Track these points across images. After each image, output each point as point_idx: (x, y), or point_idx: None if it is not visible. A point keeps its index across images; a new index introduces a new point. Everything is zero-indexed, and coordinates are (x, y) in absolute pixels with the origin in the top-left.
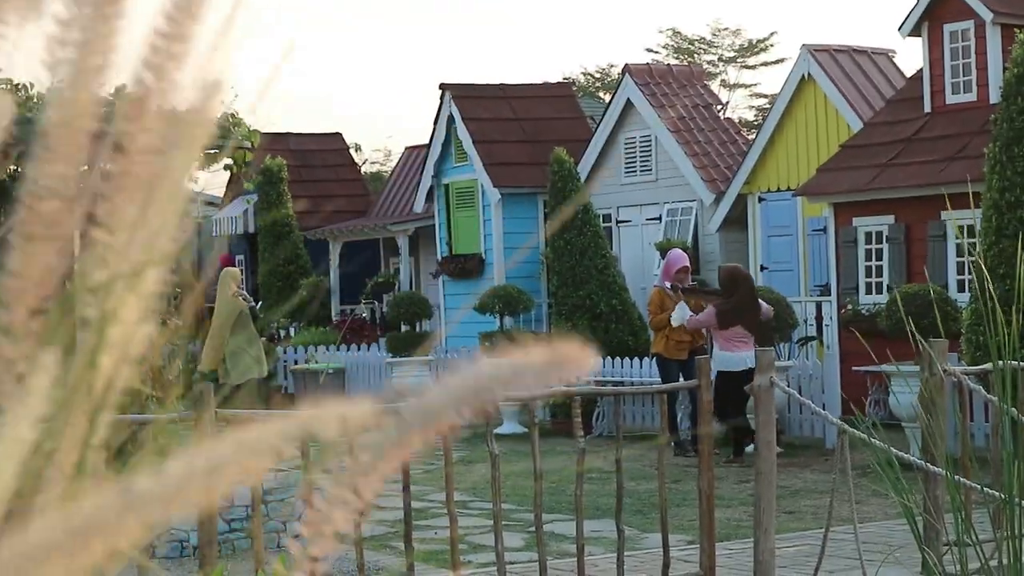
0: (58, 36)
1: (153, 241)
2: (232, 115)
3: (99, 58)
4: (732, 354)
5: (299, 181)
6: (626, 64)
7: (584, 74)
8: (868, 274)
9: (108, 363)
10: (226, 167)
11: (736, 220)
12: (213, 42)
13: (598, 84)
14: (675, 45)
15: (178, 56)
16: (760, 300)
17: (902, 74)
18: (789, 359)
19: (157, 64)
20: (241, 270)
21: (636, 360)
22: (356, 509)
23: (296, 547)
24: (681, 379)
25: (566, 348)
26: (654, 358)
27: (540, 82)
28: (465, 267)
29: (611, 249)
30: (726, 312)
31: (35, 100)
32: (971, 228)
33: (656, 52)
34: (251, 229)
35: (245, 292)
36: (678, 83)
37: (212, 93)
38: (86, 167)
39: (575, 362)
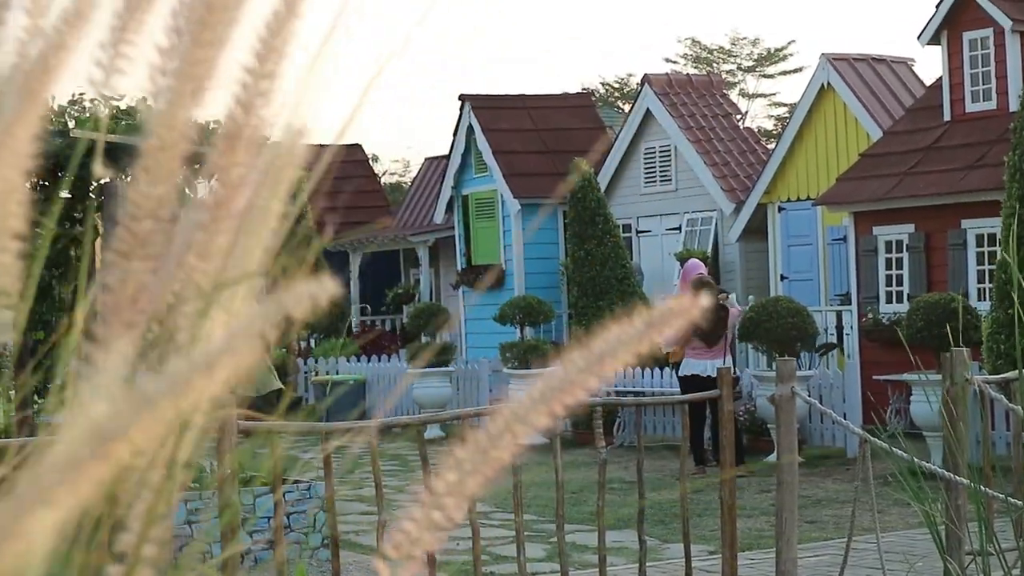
0: (159, 63)
1: (243, 269)
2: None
3: (195, 84)
4: (691, 361)
5: (319, 192)
6: (645, 74)
7: (603, 84)
8: (888, 283)
9: (198, 385)
10: None
11: (756, 230)
12: (300, 79)
13: (617, 94)
14: (694, 55)
15: (266, 93)
16: (724, 306)
17: (921, 83)
18: (810, 369)
19: (247, 100)
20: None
21: (657, 370)
22: (447, 529)
23: (385, 570)
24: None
25: (675, 302)
26: (673, 368)
27: (559, 92)
28: (485, 278)
29: (631, 259)
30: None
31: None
32: (991, 236)
33: (675, 62)
34: None
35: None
36: (697, 93)
37: (298, 137)
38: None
39: (687, 308)
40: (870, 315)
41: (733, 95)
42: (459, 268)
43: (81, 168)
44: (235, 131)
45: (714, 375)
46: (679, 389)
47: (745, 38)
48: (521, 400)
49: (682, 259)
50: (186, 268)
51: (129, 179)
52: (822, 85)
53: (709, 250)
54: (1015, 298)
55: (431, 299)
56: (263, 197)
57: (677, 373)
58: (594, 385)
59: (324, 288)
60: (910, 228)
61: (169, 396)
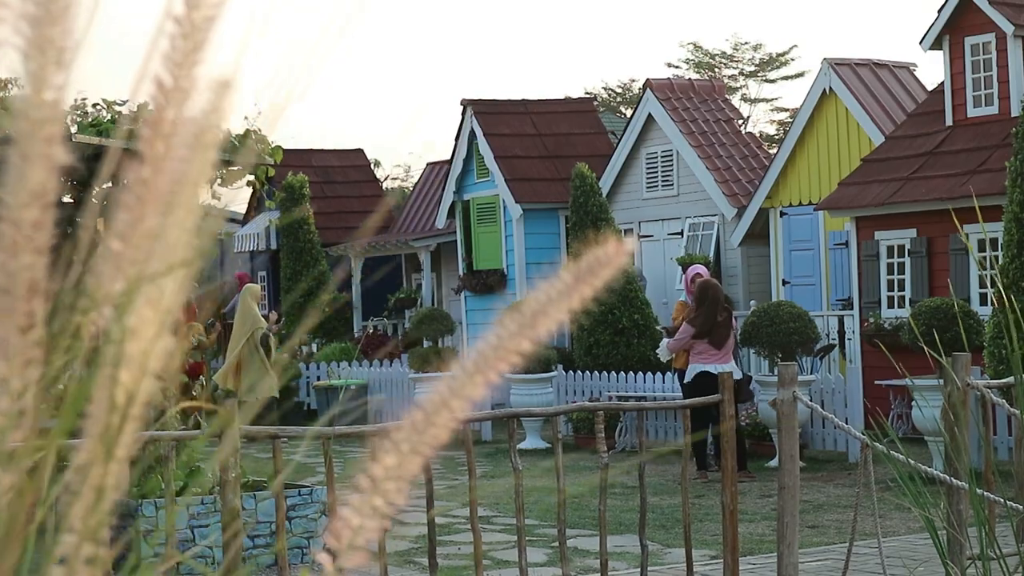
0: (12, 42)
1: (171, 251)
2: (255, 131)
3: (54, 65)
4: (698, 365)
5: (321, 197)
6: (647, 79)
7: (605, 89)
8: (890, 288)
9: (128, 378)
10: (248, 184)
11: (758, 234)
12: (222, 47)
13: (619, 99)
14: (696, 60)
15: (192, 61)
16: (730, 308)
17: (923, 87)
18: (812, 373)
19: (171, 68)
20: (262, 286)
21: (658, 375)
22: (388, 517)
23: (325, 559)
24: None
25: (600, 251)
26: (676, 373)
27: (561, 97)
28: (487, 282)
29: (633, 264)
30: (698, 333)
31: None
32: (993, 241)
33: (677, 67)
34: (273, 245)
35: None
36: (699, 98)
37: (223, 94)
38: (107, 179)
39: (613, 257)
40: (872, 320)
41: (735, 100)
42: (461, 273)
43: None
44: (159, 102)
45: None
46: (681, 394)
47: (747, 43)
48: (456, 373)
49: (684, 264)
50: (108, 256)
51: (4, 166)
52: (824, 90)
53: (711, 255)
54: (1011, 302)
55: (433, 304)
56: (188, 178)
57: (682, 380)
58: (528, 347)
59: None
60: (912, 233)
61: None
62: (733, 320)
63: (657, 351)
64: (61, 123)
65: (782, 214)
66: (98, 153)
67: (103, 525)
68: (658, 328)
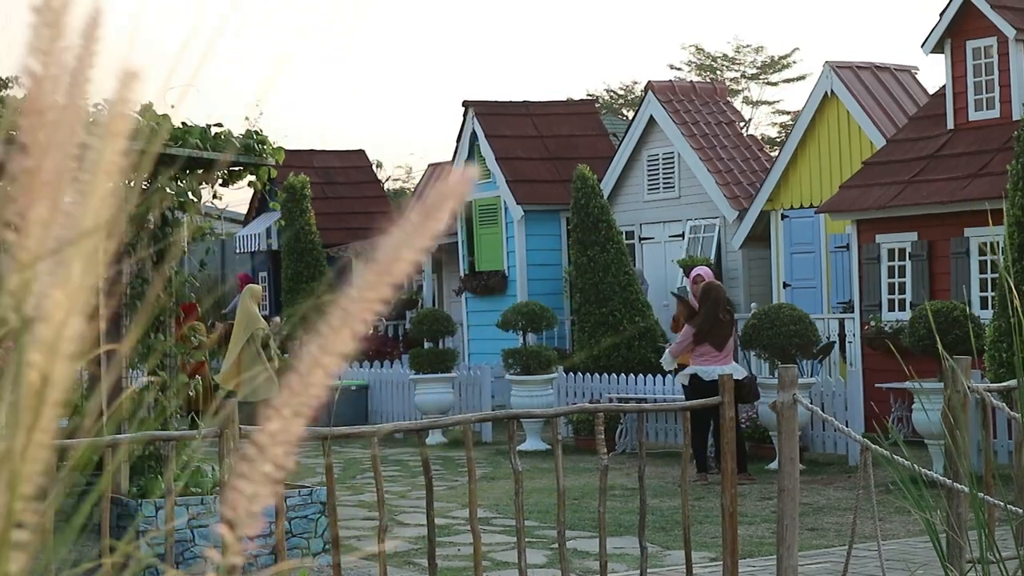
0: None
1: (71, 236)
2: (256, 132)
3: None
4: (698, 366)
5: (323, 198)
6: (649, 81)
7: (607, 91)
8: (891, 291)
9: (42, 361)
10: (250, 184)
11: (759, 237)
12: (125, 35)
13: (621, 101)
14: (698, 62)
15: (58, 48)
16: (731, 310)
17: (925, 91)
18: (812, 376)
19: (42, 55)
20: (264, 287)
21: (659, 377)
22: (280, 479)
23: (225, 532)
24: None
25: (442, 184)
26: (676, 375)
27: (563, 99)
28: (488, 284)
29: (634, 266)
30: (697, 331)
31: None
32: (994, 245)
33: (679, 69)
34: (275, 246)
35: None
36: (701, 100)
37: (128, 83)
38: None
39: (459, 186)
40: (872, 323)
41: (736, 103)
42: (462, 274)
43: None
44: (36, 90)
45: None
46: (682, 396)
47: (749, 46)
48: (322, 332)
49: (685, 266)
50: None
51: None
52: (825, 93)
53: (712, 257)
54: (1013, 306)
55: (434, 305)
56: (80, 162)
57: (684, 382)
58: (387, 294)
59: None
60: (913, 236)
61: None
62: (735, 322)
63: (661, 361)
64: None
65: (783, 217)
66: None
67: (25, 510)
68: (661, 345)
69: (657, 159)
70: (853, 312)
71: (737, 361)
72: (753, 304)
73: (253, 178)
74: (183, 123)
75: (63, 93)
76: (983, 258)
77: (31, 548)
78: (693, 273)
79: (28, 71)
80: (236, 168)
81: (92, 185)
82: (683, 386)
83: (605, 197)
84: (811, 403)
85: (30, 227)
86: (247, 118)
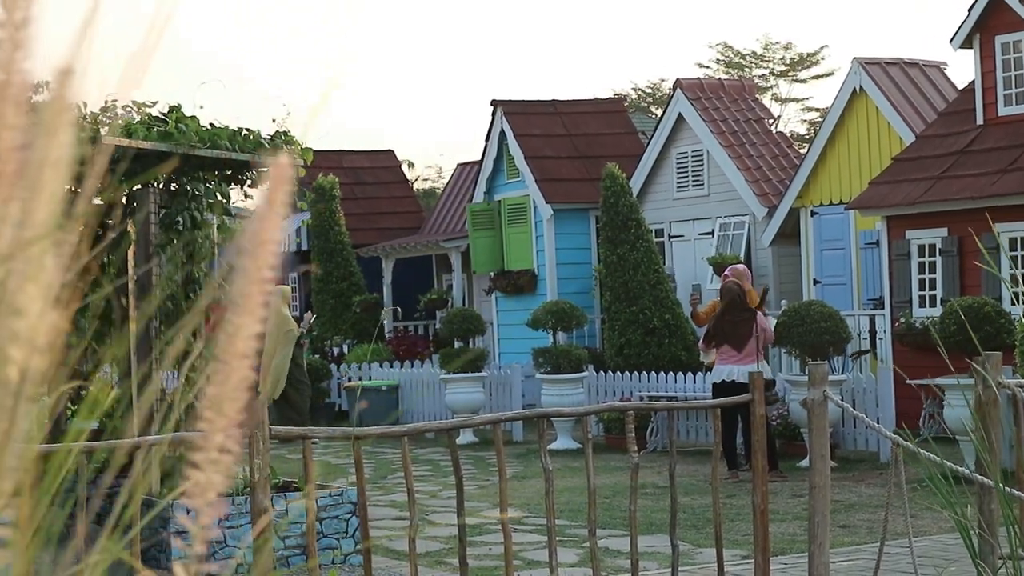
0: None
1: (38, 232)
2: (285, 133)
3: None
4: (720, 367)
5: (352, 199)
6: (677, 79)
7: (635, 89)
8: (921, 287)
9: (19, 355)
10: None
11: (789, 234)
12: (68, 29)
13: (649, 99)
14: (726, 59)
15: (22, 45)
16: (755, 314)
17: (954, 86)
18: (843, 373)
19: (7, 56)
20: (293, 288)
21: (689, 375)
22: (230, 462)
23: (188, 522)
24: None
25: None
26: (707, 373)
27: (591, 98)
28: (518, 283)
29: (663, 264)
30: (708, 333)
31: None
32: None
33: (707, 67)
34: (304, 247)
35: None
36: (729, 97)
37: (64, 78)
38: None
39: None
40: (903, 319)
41: (765, 100)
42: (491, 274)
43: (113, 174)
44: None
45: (746, 380)
46: (711, 394)
47: (777, 43)
48: (226, 319)
49: (715, 264)
50: None
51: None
52: (854, 89)
53: (742, 255)
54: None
55: (464, 304)
56: (41, 158)
57: (715, 381)
58: (269, 273)
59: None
60: (943, 232)
61: None
62: (758, 321)
63: (703, 358)
64: None
65: (813, 213)
66: (129, 155)
67: (5, 504)
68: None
69: (686, 157)
70: (883, 309)
71: (764, 361)
72: (783, 301)
73: None
74: (211, 124)
75: (17, 96)
76: (1014, 253)
77: (10, 544)
78: (734, 275)
79: None
80: (265, 169)
81: (42, 181)
82: (712, 385)
83: (634, 195)
84: (842, 400)
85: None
86: (273, 120)
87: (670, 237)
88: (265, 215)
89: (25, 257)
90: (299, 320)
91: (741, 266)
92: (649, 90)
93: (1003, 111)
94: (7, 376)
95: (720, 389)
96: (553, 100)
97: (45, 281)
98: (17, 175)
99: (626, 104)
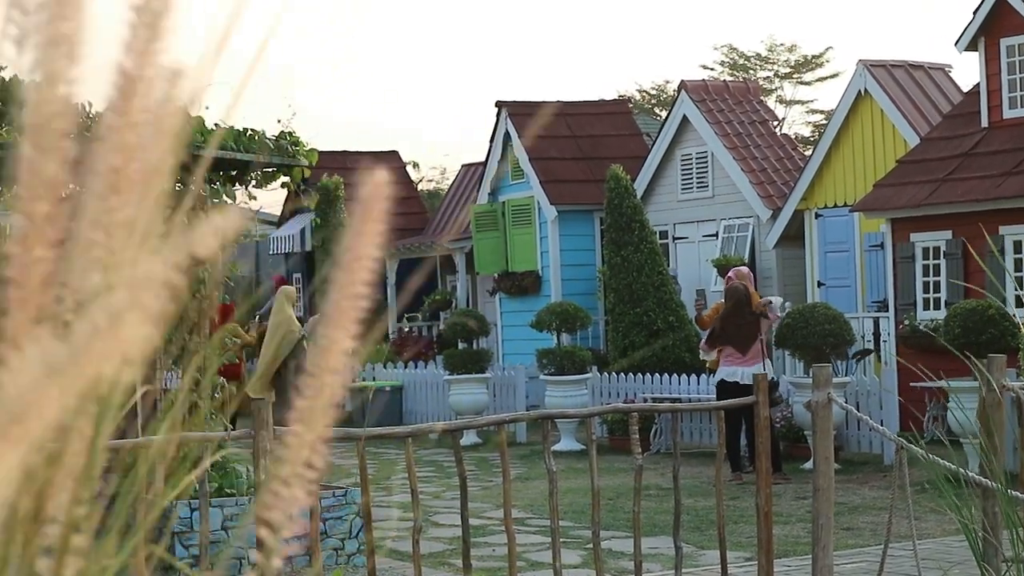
0: (25, 36)
1: (147, 240)
2: (290, 133)
3: (67, 60)
4: (724, 368)
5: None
6: (682, 80)
7: (640, 91)
8: (926, 290)
9: (111, 366)
10: (283, 185)
11: (793, 236)
12: (185, 36)
13: (654, 101)
14: (731, 61)
15: (156, 49)
16: (758, 312)
17: (959, 89)
18: (846, 375)
19: (133, 56)
20: (298, 288)
21: (693, 377)
22: (314, 479)
23: (267, 535)
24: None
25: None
26: (711, 375)
27: (596, 99)
28: (522, 284)
29: (667, 266)
30: (713, 333)
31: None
32: None
33: (712, 69)
34: (308, 247)
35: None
36: (734, 99)
37: (175, 80)
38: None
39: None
40: (907, 322)
41: (770, 102)
42: (495, 275)
43: None
44: (126, 92)
45: (750, 382)
46: (715, 396)
47: (782, 45)
48: (323, 336)
49: (719, 266)
50: (85, 244)
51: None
52: (859, 91)
53: (746, 257)
54: None
55: (468, 306)
56: (157, 160)
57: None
58: (364, 291)
59: (228, 222)
60: (947, 235)
61: (75, 361)
62: (762, 323)
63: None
64: (73, 117)
65: (817, 216)
66: None
67: (86, 516)
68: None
69: (691, 159)
70: (888, 311)
71: (768, 363)
72: (788, 303)
73: (286, 179)
74: (216, 124)
75: (146, 94)
76: (1018, 256)
77: (88, 552)
78: (737, 276)
79: (121, 70)
80: (269, 169)
81: (149, 186)
82: (716, 386)
83: (639, 197)
84: (846, 402)
85: (113, 227)
86: (279, 120)
87: (674, 239)
88: (360, 230)
89: (129, 267)
90: (303, 321)
91: (744, 268)
92: (654, 92)
93: (1008, 114)
94: (96, 386)
95: (724, 391)
96: (558, 101)
97: (145, 293)
98: (136, 180)
99: (631, 106)
